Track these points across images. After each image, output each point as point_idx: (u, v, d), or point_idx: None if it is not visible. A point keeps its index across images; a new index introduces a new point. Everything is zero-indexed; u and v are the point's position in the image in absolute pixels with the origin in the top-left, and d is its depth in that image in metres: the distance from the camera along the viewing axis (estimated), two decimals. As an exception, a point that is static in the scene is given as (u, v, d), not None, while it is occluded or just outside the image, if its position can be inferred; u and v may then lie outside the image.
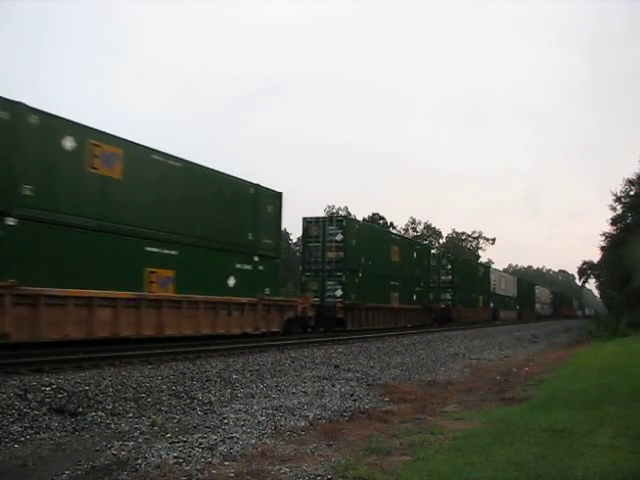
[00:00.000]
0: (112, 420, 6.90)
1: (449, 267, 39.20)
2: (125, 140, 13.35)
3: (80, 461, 5.16)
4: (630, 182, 37.18)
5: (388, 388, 10.03)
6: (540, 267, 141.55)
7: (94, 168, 12.41)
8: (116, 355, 11.65)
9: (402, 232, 74.07)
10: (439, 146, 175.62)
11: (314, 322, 21.60)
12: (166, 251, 14.30)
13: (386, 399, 8.94)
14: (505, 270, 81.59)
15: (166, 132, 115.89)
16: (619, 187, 38.18)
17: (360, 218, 56.41)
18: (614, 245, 38.91)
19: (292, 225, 49.49)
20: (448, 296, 38.55)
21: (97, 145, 12.44)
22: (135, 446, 5.67)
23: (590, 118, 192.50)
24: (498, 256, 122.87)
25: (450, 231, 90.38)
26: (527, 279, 78.55)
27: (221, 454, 5.43)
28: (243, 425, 6.69)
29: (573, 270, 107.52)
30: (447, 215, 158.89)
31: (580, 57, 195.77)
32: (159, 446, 5.62)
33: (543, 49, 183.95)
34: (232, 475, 4.80)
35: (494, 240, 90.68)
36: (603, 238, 42.70)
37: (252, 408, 7.69)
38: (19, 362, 9.92)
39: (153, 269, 13.84)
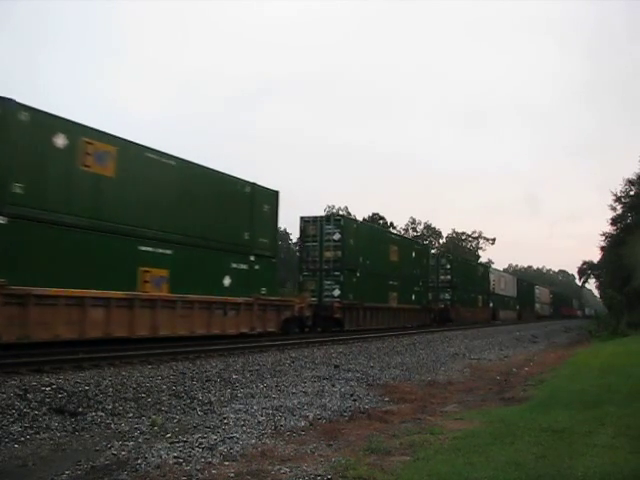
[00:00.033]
0: (112, 420, 6.90)
1: (448, 267, 39.11)
2: (118, 138, 13.16)
3: (80, 461, 5.17)
4: (630, 182, 37.22)
5: (388, 388, 10.04)
6: (540, 267, 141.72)
7: (86, 166, 12.25)
8: (116, 355, 11.63)
9: (402, 232, 73.93)
10: (439, 146, 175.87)
11: (311, 322, 21.52)
12: (160, 250, 14.12)
13: (386, 399, 8.94)
14: (505, 270, 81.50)
15: (166, 132, 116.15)
16: (619, 187, 38.27)
17: (360, 218, 56.39)
18: (614, 245, 38.90)
19: (292, 225, 49.30)
20: (447, 296, 38.46)
21: (90, 143, 12.28)
22: (135, 446, 5.67)
23: (590, 118, 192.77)
24: (498, 256, 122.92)
25: (450, 231, 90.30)
26: (527, 279, 78.57)
27: (221, 454, 5.43)
28: (243, 425, 6.69)
29: (573, 270, 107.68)
30: (447, 215, 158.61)
31: (580, 57, 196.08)
32: (159, 446, 5.63)
33: (543, 49, 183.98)
34: (232, 475, 4.80)
35: (494, 240, 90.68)
36: (603, 238, 42.77)
37: (252, 408, 7.69)
38: (19, 362, 9.91)
39: (147, 268, 13.67)
